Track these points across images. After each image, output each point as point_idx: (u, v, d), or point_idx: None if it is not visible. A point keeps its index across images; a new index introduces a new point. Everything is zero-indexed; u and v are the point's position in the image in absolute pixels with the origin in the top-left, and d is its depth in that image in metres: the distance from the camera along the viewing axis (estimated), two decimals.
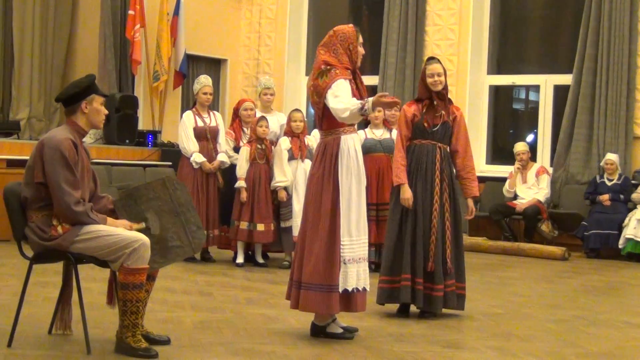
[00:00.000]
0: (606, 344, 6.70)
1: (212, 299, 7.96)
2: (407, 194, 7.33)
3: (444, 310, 7.46)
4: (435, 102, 7.44)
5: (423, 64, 7.69)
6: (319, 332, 6.45)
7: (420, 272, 7.31)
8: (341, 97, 6.19)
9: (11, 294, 7.51)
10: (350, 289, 6.27)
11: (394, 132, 10.27)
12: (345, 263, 6.25)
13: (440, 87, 7.40)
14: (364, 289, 6.40)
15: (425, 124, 7.42)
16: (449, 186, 7.43)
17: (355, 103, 6.12)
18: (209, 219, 10.46)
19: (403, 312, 7.48)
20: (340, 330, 6.47)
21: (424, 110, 7.45)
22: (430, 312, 7.38)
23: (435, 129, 7.43)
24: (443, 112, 7.43)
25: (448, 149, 7.53)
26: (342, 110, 6.13)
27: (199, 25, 15.97)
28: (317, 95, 6.32)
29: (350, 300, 6.34)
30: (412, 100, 7.70)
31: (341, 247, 6.25)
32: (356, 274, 6.30)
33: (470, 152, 7.60)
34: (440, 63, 7.48)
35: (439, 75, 7.39)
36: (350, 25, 6.53)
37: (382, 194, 9.81)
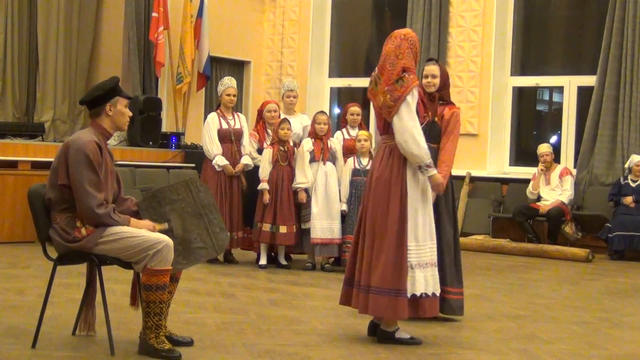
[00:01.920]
0: (630, 346, 6.68)
1: (235, 300, 7.98)
2: None
3: (464, 312, 7.42)
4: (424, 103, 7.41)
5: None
6: (387, 337, 6.40)
7: None
8: (419, 131, 6.25)
9: (36, 295, 7.55)
10: (418, 294, 6.23)
11: None
12: (412, 268, 6.22)
13: (432, 89, 7.31)
14: (433, 294, 6.32)
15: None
16: None
17: (427, 155, 6.24)
18: (232, 221, 10.47)
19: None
20: (408, 336, 6.44)
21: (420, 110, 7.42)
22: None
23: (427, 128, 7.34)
24: (429, 112, 7.37)
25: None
26: (416, 148, 6.20)
27: (222, 27, 16.01)
28: (392, 100, 6.27)
29: (418, 305, 6.28)
30: None
31: (408, 251, 6.22)
32: (424, 278, 6.25)
33: (448, 147, 7.30)
34: (439, 64, 7.42)
35: (433, 76, 7.32)
36: (410, 29, 6.55)
37: None
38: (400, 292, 6.19)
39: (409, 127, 6.22)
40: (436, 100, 7.39)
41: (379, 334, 6.45)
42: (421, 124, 7.25)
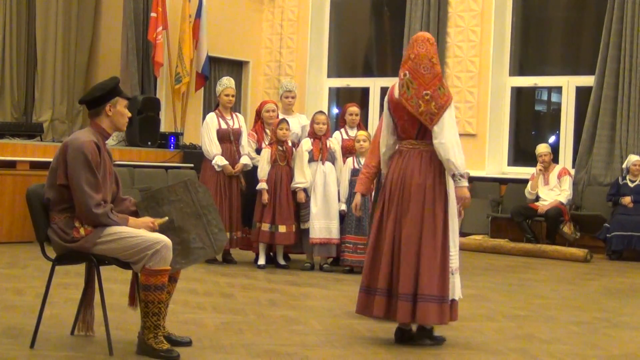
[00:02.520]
0: (629, 346, 6.68)
1: (234, 300, 7.98)
2: (356, 202, 7.36)
3: (463, 313, 7.43)
4: None
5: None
6: (428, 337, 6.41)
7: None
8: (458, 140, 6.37)
9: (34, 295, 7.55)
10: (457, 298, 6.34)
11: None
12: (452, 273, 6.30)
13: None
14: (459, 298, 6.43)
15: None
16: None
17: (463, 166, 6.32)
18: (232, 221, 10.46)
19: None
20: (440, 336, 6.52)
21: None
22: None
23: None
24: None
25: None
26: (453, 155, 6.25)
27: (220, 27, 16.00)
28: (436, 107, 6.23)
29: (452, 310, 6.33)
30: None
31: (450, 257, 6.29)
32: (457, 283, 6.36)
33: None
34: None
35: None
36: (429, 34, 6.57)
37: None
38: (444, 298, 6.21)
39: (451, 135, 6.28)
40: None
41: (420, 334, 6.40)
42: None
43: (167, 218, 5.80)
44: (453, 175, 6.27)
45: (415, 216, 6.25)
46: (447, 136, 6.24)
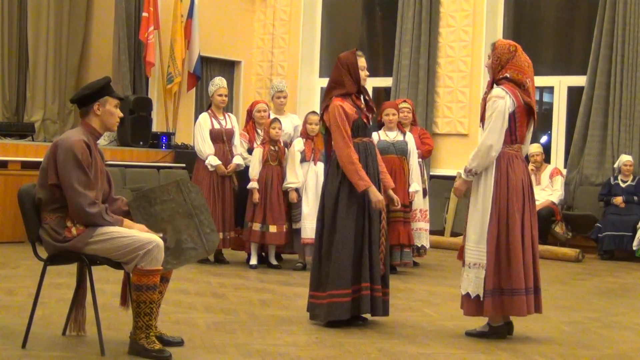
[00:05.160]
0: (620, 346, 6.69)
1: (226, 300, 7.97)
2: (379, 195, 6.87)
3: (454, 313, 7.43)
4: (366, 97, 7.21)
5: (354, 54, 7.32)
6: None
7: (377, 278, 6.93)
8: None
9: (25, 295, 7.54)
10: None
11: (408, 135, 10.26)
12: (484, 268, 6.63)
13: (365, 83, 7.21)
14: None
15: (365, 120, 7.06)
16: None
17: None
18: (224, 221, 10.46)
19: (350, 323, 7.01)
20: None
21: (362, 106, 7.10)
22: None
23: (371, 124, 7.19)
24: (374, 107, 7.31)
25: None
26: None
27: (212, 27, 16.00)
28: (534, 115, 6.75)
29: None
30: (339, 96, 7.18)
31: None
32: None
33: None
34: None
35: (366, 68, 7.30)
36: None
37: (396, 194, 9.72)
38: None
39: None
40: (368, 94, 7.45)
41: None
42: (370, 120, 7.22)
43: (161, 235, 5.76)
44: None
45: (525, 211, 6.66)
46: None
